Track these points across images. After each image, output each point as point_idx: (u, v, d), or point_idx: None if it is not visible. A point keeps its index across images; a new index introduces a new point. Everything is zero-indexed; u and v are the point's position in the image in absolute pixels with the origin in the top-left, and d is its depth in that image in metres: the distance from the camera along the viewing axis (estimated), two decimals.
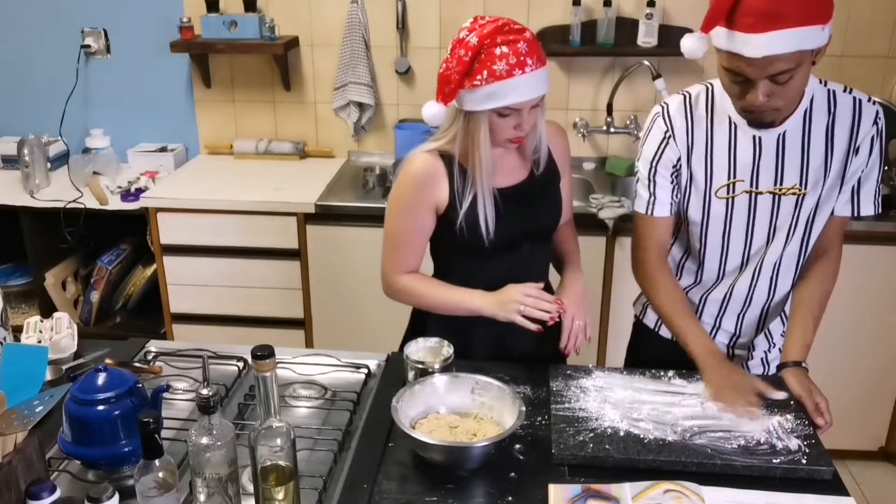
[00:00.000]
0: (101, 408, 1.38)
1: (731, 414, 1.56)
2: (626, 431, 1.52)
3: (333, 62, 3.24)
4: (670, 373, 1.72)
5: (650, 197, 1.75)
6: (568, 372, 1.73)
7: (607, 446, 1.48)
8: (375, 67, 3.24)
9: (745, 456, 1.45)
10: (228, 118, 3.43)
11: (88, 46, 3.34)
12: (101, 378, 1.41)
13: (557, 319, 1.71)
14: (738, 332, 1.86)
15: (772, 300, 1.81)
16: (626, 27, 3.05)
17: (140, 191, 3.04)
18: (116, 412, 1.38)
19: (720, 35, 1.49)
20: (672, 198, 1.75)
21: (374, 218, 2.80)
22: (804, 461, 1.45)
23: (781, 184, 1.66)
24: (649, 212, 1.76)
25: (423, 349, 1.67)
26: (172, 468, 1.23)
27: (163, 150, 3.39)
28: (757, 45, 1.43)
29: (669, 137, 1.69)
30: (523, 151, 1.76)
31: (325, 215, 2.87)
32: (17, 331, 1.83)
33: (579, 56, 3.14)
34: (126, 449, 1.38)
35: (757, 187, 1.67)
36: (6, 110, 3.49)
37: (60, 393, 1.39)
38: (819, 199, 1.68)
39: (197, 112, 3.43)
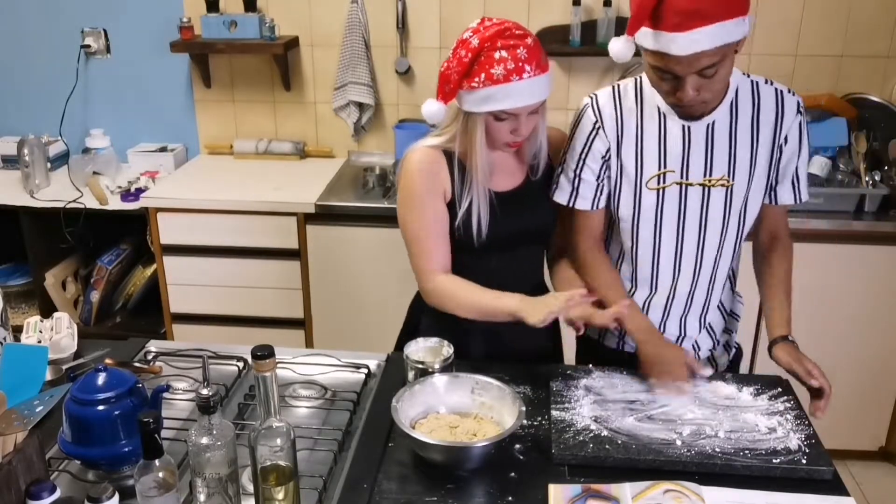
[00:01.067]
0: (101, 408, 1.37)
1: (661, 389, 1.62)
2: (626, 431, 1.52)
3: (333, 62, 3.24)
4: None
5: (572, 190, 1.75)
6: (568, 372, 1.73)
7: (607, 446, 1.48)
8: (375, 67, 3.24)
9: (745, 456, 1.45)
10: (228, 118, 3.43)
11: (88, 46, 3.34)
12: (101, 378, 1.40)
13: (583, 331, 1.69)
14: (682, 333, 1.85)
15: (710, 296, 1.82)
16: (626, 27, 3.05)
17: (140, 191, 3.04)
18: (116, 412, 1.38)
19: (646, 35, 1.52)
20: (596, 192, 1.75)
21: (374, 218, 2.80)
22: (804, 461, 1.45)
23: (711, 174, 1.68)
24: (571, 204, 1.76)
25: (423, 349, 1.67)
26: (172, 468, 1.23)
27: (163, 150, 3.39)
28: (683, 42, 1.46)
29: (599, 128, 1.70)
30: (521, 155, 1.76)
31: (325, 215, 2.87)
32: (17, 331, 1.84)
33: (579, 56, 3.14)
34: (126, 449, 1.38)
35: (687, 178, 1.68)
36: (6, 110, 3.49)
37: (60, 393, 1.39)
38: (748, 191, 1.70)
39: (197, 112, 3.43)
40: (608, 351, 1.90)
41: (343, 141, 3.38)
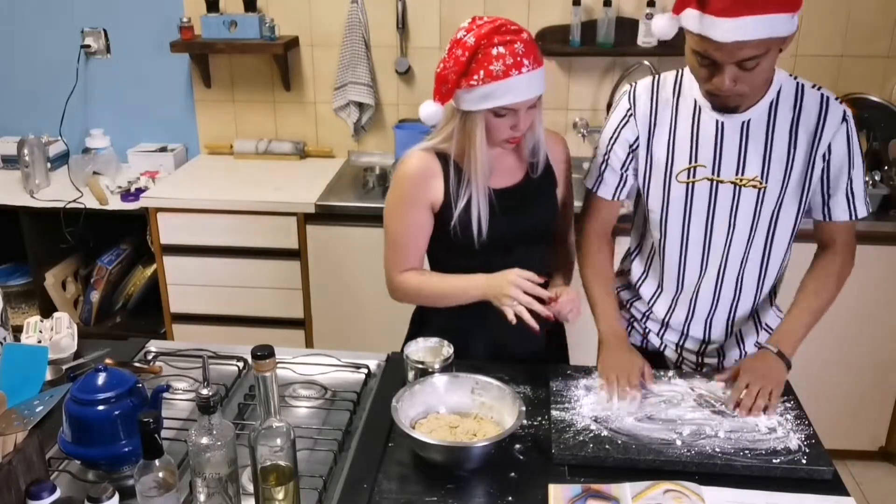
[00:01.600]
0: (101, 408, 1.37)
1: (606, 390, 1.62)
2: (626, 431, 1.52)
3: (333, 62, 3.24)
4: (670, 373, 1.72)
5: (598, 176, 1.78)
6: (568, 372, 1.73)
7: (607, 446, 1.48)
8: (375, 67, 3.24)
9: (745, 456, 1.45)
10: (228, 118, 3.43)
11: (88, 46, 3.34)
12: (101, 378, 1.40)
13: (553, 318, 1.67)
14: (706, 338, 1.84)
15: (738, 301, 1.79)
16: (626, 27, 3.05)
17: (140, 191, 3.04)
18: (116, 412, 1.38)
19: (691, 17, 1.49)
20: (620, 183, 1.76)
21: (374, 218, 2.79)
22: (804, 461, 1.45)
23: (743, 174, 1.66)
24: (595, 189, 1.79)
25: (423, 349, 1.67)
26: (172, 468, 1.23)
27: (163, 150, 3.39)
28: (727, 29, 1.44)
29: (631, 116, 1.71)
30: (520, 153, 1.76)
31: (325, 215, 2.87)
32: (17, 331, 1.84)
33: (579, 56, 3.14)
34: (126, 449, 1.38)
35: (718, 175, 1.67)
36: (6, 110, 3.49)
37: (60, 393, 1.39)
38: (782, 196, 1.66)
39: (197, 112, 3.43)
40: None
41: (343, 141, 3.38)
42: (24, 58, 3.40)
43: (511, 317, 1.61)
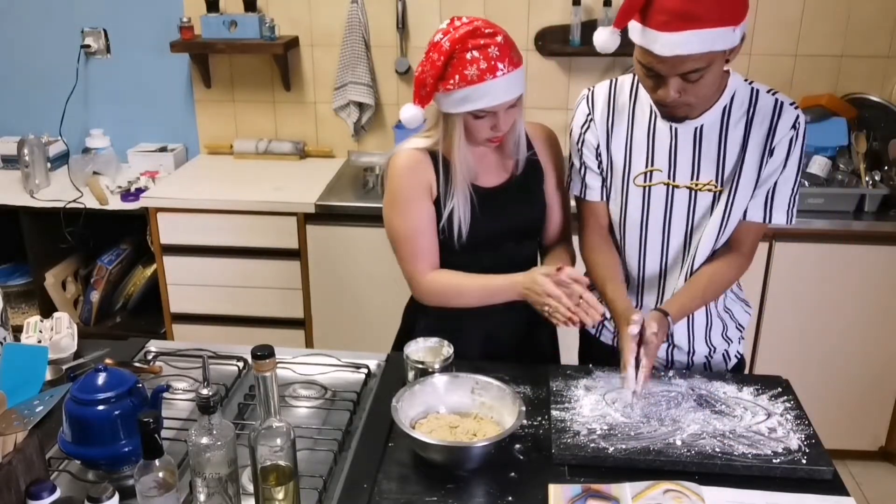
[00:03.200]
0: (101, 408, 1.37)
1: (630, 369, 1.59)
2: (626, 432, 1.52)
3: (333, 62, 3.24)
4: (671, 372, 1.72)
5: (581, 181, 1.78)
6: (568, 372, 1.73)
7: (607, 446, 1.48)
8: (375, 67, 3.24)
9: (745, 456, 1.45)
10: (228, 118, 3.43)
11: (88, 46, 3.34)
12: (101, 378, 1.40)
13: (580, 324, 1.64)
14: (670, 342, 1.83)
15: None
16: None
17: (140, 191, 3.04)
18: (116, 412, 1.38)
19: (634, 29, 1.51)
20: (603, 184, 1.76)
21: (374, 218, 2.79)
22: (804, 461, 1.44)
23: (698, 178, 1.66)
24: (583, 195, 1.79)
25: (423, 349, 1.67)
26: (172, 468, 1.23)
27: (163, 150, 3.39)
28: (667, 43, 1.44)
29: (591, 120, 1.72)
30: (505, 151, 1.77)
31: (325, 215, 2.87)
32: (17, 331, 1.83)
33: (579, 56, 3.14)
34: (126, 449, 1.38)
35: (674, 179, 1.67)
36: (6, 110, 3.49)
37: (60, 393, 1.39)
38: (735, 199, 1.66)
39: (197, 112, 3.43)
40: (603, 346, 1.91)
41: (343, 141, 3.38)
42: (24, 58, 3.40)
43: (546, 315, 1.61)
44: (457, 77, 1.58)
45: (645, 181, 1.69)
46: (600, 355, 1.88)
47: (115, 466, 1.41)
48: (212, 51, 3.22)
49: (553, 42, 3.11)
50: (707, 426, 1.53)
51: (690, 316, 1.78)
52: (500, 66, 1.57)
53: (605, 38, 1.59)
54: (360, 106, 3.25)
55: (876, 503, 2.85)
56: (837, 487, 1.42)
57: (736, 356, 1.89)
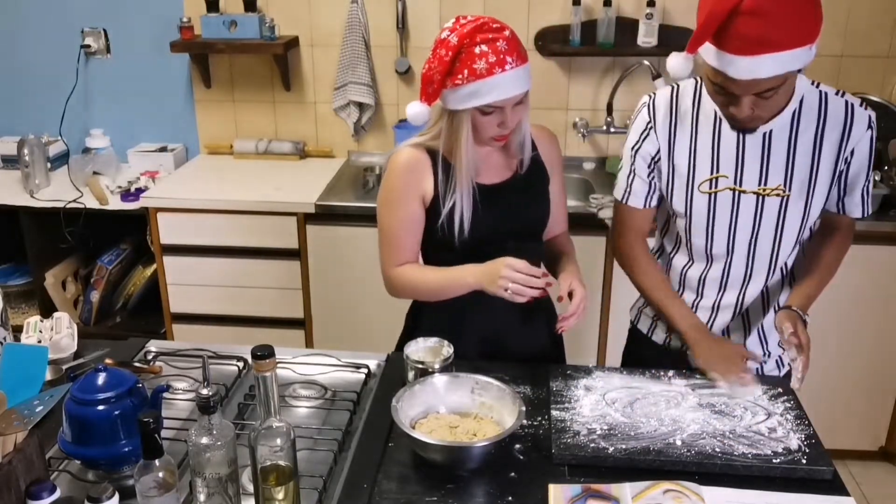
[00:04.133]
0: (101, 408, 1.37)
1: (724, 384, 1.62)
2: (626, 432, 1.52)
3: (333, 62, 3.24)
4: (670, 373, 1.72)
5: (626, 187, 1.77)
6: (568, 372, 1.73)
7: (607, 446, 1.48)
8: (375, 67, 3.24)
9: (745, 456, 1.45)
10: (228, 118, 3.43)
11: (88, 46, 3.34)
12: (101, 378, 1.40)
13: (546, 294, 1.69)
14: (739, 309, 1.82)
15: (764, 309, 1.80)
16: (626, 27, 3.06)
17: (140, 191, 3.04)
18: (116, 412, 1.38)
19: (708, 51, 1.48)
20: (649, 190, 1.76)
21: (374, 218, 2.77)
22: (804, 461, 1.44)
23: (766, 184, 1.66)
24: (625, 200, 1.78)
25: (423, 349, 1.67)
26: (172, 468, 1.23)
27: (163, 150, 3.39)
28: (743, 67, 1.43)
29: (651, 129, 1.70)
30: (509, 150, 1.76)
31: (325, 215, 2.87)
32: (17, 331, 1.83)
33: (579, 56, 3.14)
34: (126, 449, 1.38)
35: (741, 185, 1.67)
36: (6, 110, 3.49)
37: (60, 393, 1.39)
38: (808, 203, 1.67)
39: (197, 112, 3.43)
40: (657, 346, 1.91)
41: (343, 141, 3.38)
42: (24, 58, 3.40)
43: (507, 296, 1.61)
44: (465, 72, 1.58)
45: (710, 188, 1.68)
46: (651, 353, 1.88)
47: (115, 466, 1.41)
48: (212, 51, 3.22)
49: (553, 42, 3.11)
50: (707, 426, 1.53)
51: (759, 323, 1.81)
52: (509, 59, 1.58)
53: (678, 65, 1.55)
54: (360, 106, 3.25)
55: (876, 503, 2.85)
56: (837, 487, 1.42)
57: (788, 364, 1.87)
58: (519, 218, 1.78)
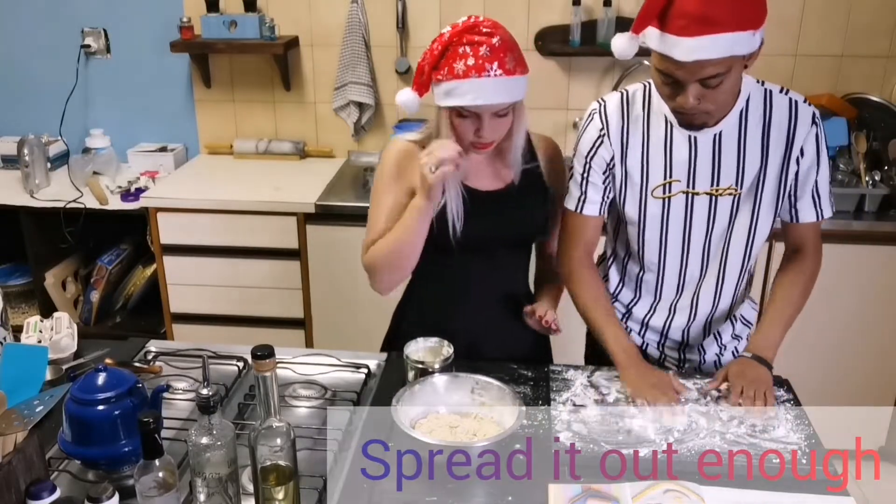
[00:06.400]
0: (101, 408, 1.37)
1: (651, 411, 1.57)
2: (627, 431, 1.52)
3: (333, 62, 3.24)
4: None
5: (581, 195, 1.74)
6: (568, 372, 1.73)
7: (608, 446, 1.48)
8: (375, 67, 3.24)
9: (745, 456, 1.45)
10: (228, 118, 3.43)
11: (88, 46, 3.34)
12: (101, 378, 1.40)
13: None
14: (685, 341, 1.84)
15: (716, 308, 1.80)
16: (626, 27, 3.02)
17: (140, 191, 3.04)
18: (116, 412, 1.38)
19: (652, 35, 1.49)
20: (603, 197, 1.74)
21: None
22: (804, 461, 1.44)
23: (718, 184, 1.65)
24: (579, 209, 1.75)
25: (423, 349, 1.67)
26: (172, 468, 1.23)
27: (163, 150, 3.39)
28: (687, 48, 1.43)
29: (604, 136, 1.69)
30: (504, 159, 1.74)
31: (325, 215, 2.87)
32: (17, 331, 1.83)
33: (579, 56, 3.14)
34: (126, 449, 1.38)
35: (693, 188, 1.66)
36: (6, 110, 3.49)
37: (60, 393, 1.39)
38: (758, 201, 1.66)
39: (197, 112, 3.43)
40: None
41: (343, 141, 3.38)
42: (24, 58, 3.40)
43: (437, 177, 1.54)
44: (446, 69, 1.58)
45: (664, 193, 1.68)
46: (607, 355, 1.88)
47: (115, 466, 1.41)
48: (212, 51, 3.22)
49: (553, 42, 3.11)
50: (707, 426, 1.53)
51: (702, 316, 1.80)
52: (488, 66, 1.55)
53: (622, 45, 1.58)
54: (360, 106, 3.25)
55: (876, 503, 2.85)
56: (837, 487, 1.41)
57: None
58: (510, 228, 1.76)
